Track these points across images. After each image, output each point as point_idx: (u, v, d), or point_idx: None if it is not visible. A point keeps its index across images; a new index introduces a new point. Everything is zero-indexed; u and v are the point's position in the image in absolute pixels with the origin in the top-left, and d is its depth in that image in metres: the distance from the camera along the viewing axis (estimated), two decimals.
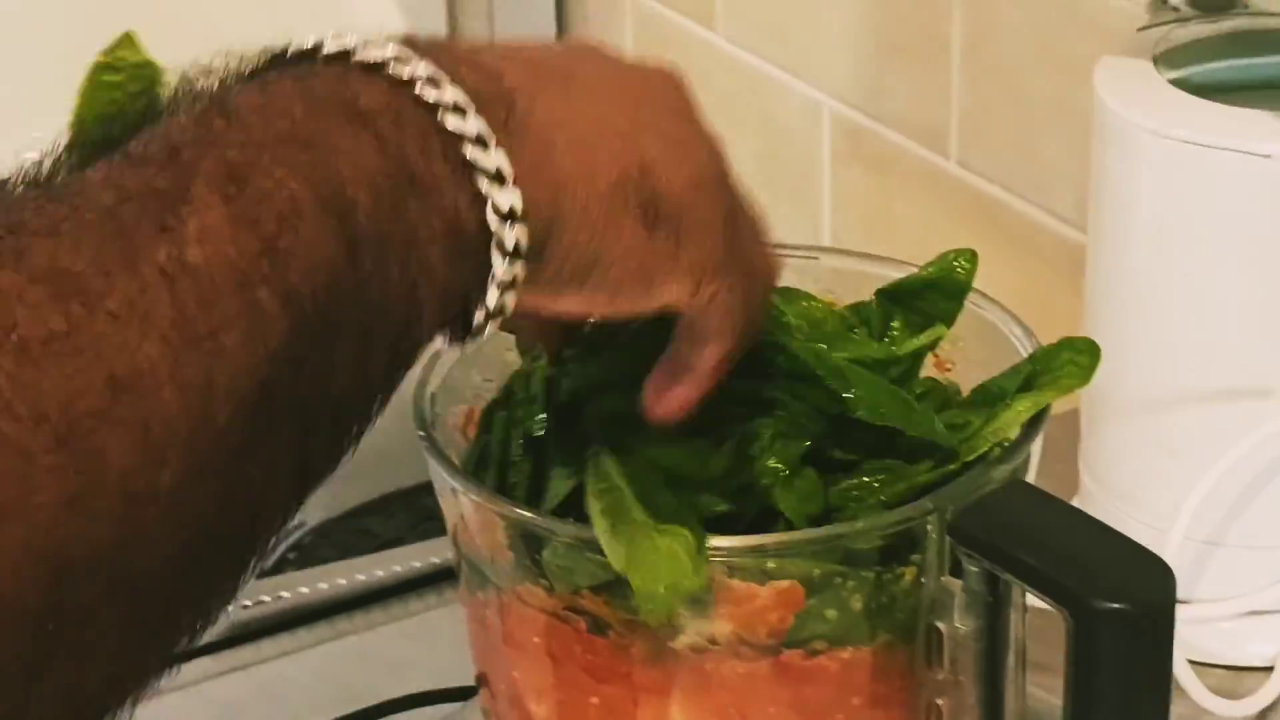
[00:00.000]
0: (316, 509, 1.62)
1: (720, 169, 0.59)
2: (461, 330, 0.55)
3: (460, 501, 0.67)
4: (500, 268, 0.53)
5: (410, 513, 1.61)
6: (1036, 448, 0.67)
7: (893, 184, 1.31)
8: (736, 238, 0.60)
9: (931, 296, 0.72)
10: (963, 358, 0.74)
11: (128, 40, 0.56)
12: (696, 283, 0.58)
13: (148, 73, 0.54)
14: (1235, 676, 0.89)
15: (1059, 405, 1.03)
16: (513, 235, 0.53)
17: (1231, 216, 0.83)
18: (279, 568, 1.53)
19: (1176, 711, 0.86)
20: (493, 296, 0.53)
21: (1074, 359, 0.66)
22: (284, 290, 0.47)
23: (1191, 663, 0.86)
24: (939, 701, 0.65)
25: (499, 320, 0.54)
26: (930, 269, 0.72)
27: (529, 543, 0.65)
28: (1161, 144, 0.83)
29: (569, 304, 0.58)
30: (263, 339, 0.46)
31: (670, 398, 0.62)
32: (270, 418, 0.47)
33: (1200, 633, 0.89)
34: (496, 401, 0.70)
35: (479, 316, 0.54)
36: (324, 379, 0.49)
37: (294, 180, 0.48)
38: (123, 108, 0.53)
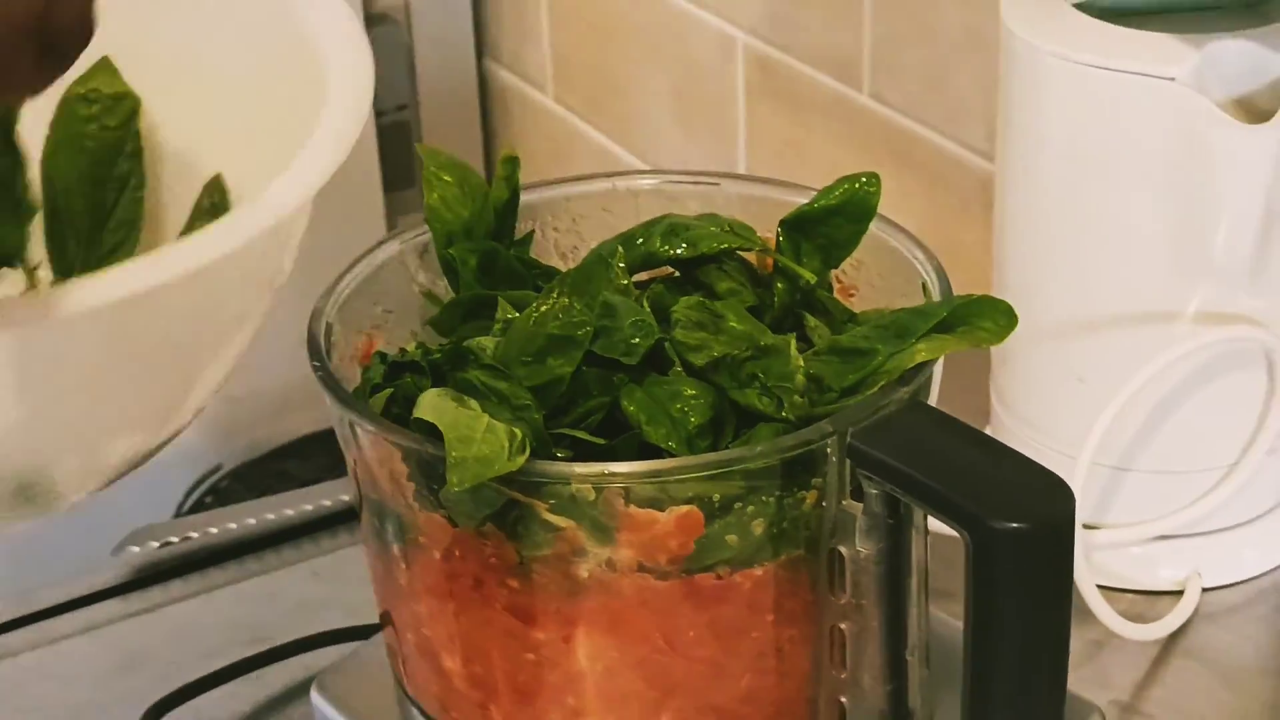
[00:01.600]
0: (234, 453, 1.61)
1: None
2: None
3: (357, 435, 0.66)
4: None
5: (328, 455, 1.60)
6: (937, 370, 0.67)
7: (806, 117, 1.30)
8: None
9: (836, 222, 0.72)
10: (866, 283, 0.74)
11: (105, 66, 0.53)
12: None
13: (127, 104, 0.51)
14: (1145, 601, 0.90)
15: None
16: None
17: (1136, 140, 0.82)
18: (196, 511, 1.52)
19: (1087, 636, 0.86)
20: None
21: (993, 319, 0.66)
22: None
23: (1101, 588, 0.86)
24: (842, 626, 0.65)
25: None
26: (834, 195, 0.72)
27: (427, 473, 0.64)
28: (1066, 68, 0.83)
29: None
30: None
31: None
32: None
33: (1110, 558, 0.90)
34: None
35: None
36: None
37: None
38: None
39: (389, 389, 0.66)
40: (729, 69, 1.36)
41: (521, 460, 0.61)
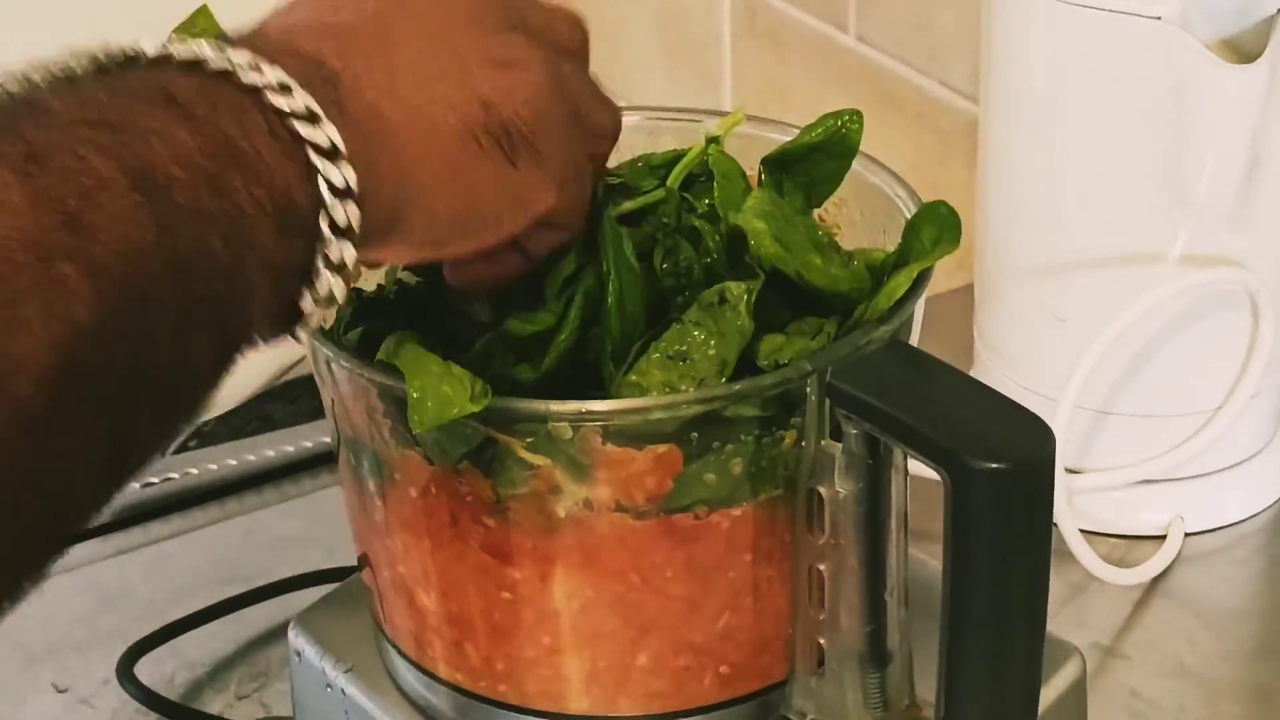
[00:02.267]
0: (219, 397, 1.61)
1: (550, 69, 0.59)
2: (290, 321, 0.54)
3: (333, 372, 0.65)
4: (332, 247, 0.52)
5: (313, 397, 1.59)
6: (919, 309, 0.66)
7: (792, 58, 1.29)
8: (581, 123, 0.61)
9: (818, 159, 0.71)
10: (848, 221, 0.73)
11: (204, 13, 0.57)
12: (560, 188, 0.60)
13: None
14: (1127, 545, 0.90)
15: (957, 278, 1.03)
16: (344, 213, 0.52)
17: (1121, 80, 0.82)
18: (178, 453, 1.52)
19: (1069, 579, 0.86)
20: (324, 283, 0.53)
21: (942, 224, 0.65)
22: (88, 263, 0.45)
23: (1084, 532, 0.86)
24: (820, 566, 0.64)
25: (331, 308, 0.54)
26: (816, 132, 0.71)
27: (403, 410, 0.63)
28: (1051, 7, 0.82)
29: (456, 250, 0.59)
30: (66, 312, 0.45)
31: (482, 270, 0.63)
32: (77, 394, 0.45)
33: (1092, 501, 0.90)
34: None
35: (307, 304, 0.53)
36: (140, 357, 0.47)
37: (99, 159, 0.47)
38: None
39: (362, 327, 0.66)
40: (715, 9, 1.36)
41: (484, 403, 0.60)
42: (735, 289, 0.63)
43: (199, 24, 0.57)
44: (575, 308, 0.63)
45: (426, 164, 0.55)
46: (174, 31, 0.56)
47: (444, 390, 0.60)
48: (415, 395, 0.60)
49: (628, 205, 0.67)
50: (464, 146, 0.56)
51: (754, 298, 0.63)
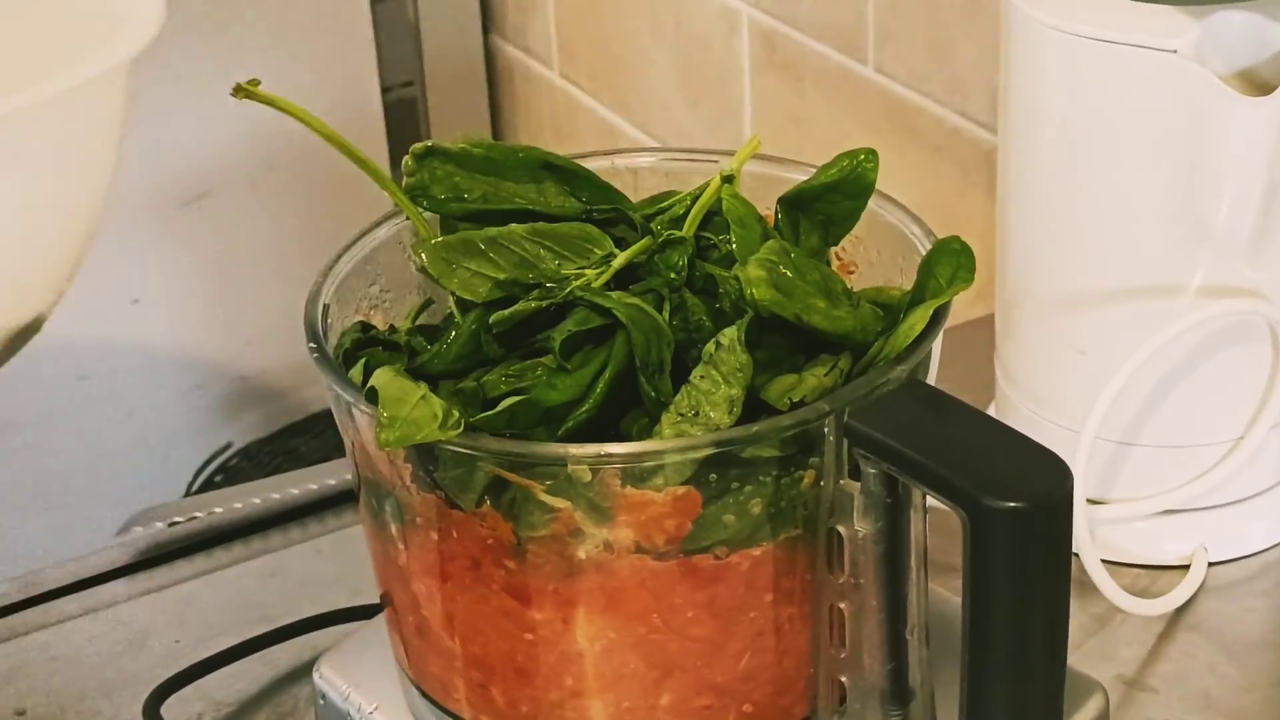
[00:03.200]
0: (243, 431, 1.61)
1: None
2: None
3: (355, 417, 0.66)
4: None
5: (337, 432, 1.61)
6: (936, 348, 0.66)
7: (811, 90, 1.30)
8: None
9: (833, 198, 0.71)
10: (865, 259, 0.73)
11: None
12: None
13: None
14: (1150, 575, 0.90)
15: (977, 308, 1.04)
16: None
17: (1138, 113, 0.82)
18: (207, 489, 1.53)
19: (1092, 611, 0.86)
20: None
21: (956, 260, 0.66)
22: None
23: (1106, 562, 0.86)
24: (841, 605, 0.64)
25: None
26: (831, 172, 0.71)
27: (423, 454, 0.64)
28: (1067, 41, 0.82)
29: None
30: None
31: None
32: None
33: (1115, 532, 0.90)
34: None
35: None
36: None
37: None
38: None
39: (364, 358, 0.66)
40: (734, 42, 1.36)
41: (454, 433, 0.61)
42: (728, 332, 0.63)
43: None
44: (603, 382, 0.63)
45: None
46: None
47: (414, 414, 0.61)
48: (385, 415, 0.61)
49: (619, 260, 0.68)
50: None
51: (743, 332, 0.63)
